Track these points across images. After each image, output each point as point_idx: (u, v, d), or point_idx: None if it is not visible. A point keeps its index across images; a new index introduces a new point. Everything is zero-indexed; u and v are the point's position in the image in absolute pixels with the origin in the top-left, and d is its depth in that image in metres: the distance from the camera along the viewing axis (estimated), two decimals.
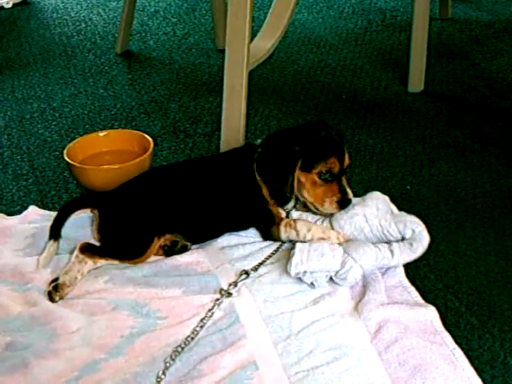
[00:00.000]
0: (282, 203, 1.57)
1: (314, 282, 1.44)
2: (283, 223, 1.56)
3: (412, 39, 2.28)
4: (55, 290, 1.45)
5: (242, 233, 1.62)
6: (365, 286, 1.45)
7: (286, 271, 1.46)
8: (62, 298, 1.45)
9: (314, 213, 1.59)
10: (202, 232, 1.61)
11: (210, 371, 1.26)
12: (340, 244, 1.48)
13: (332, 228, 1.53)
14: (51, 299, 1.44)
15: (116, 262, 1.53)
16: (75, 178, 1.84)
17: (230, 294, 1.44)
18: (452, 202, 1.77)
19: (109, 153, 1.89)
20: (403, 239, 1.50)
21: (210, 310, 1.39)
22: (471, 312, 1.43)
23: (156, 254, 1.57)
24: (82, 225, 1.63)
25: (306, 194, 1.56)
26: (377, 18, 2.86)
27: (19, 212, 1.75)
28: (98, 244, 1.56)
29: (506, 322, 1.40)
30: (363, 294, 1.44)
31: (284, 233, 1.55)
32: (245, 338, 1.33)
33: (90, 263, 1.50)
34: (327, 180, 1.53)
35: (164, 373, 1.26)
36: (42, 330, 1.37)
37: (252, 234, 1.62)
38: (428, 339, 1.33)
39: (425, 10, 2.24)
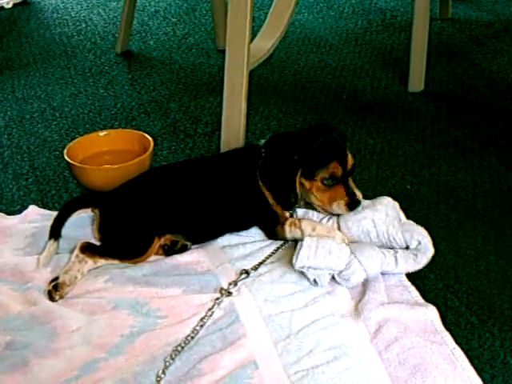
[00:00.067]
0: (287, 208, 1.57)
1: (317, 279, 1.44)
2: (288, 222, 1.55)
3: (412, 39, 2.28)
4: (55, 290, 1.45)
5: (243, 232, 1.62)
6: (365, 285, 1.45)
7: (291, 264, 1.46)
8: (61, 297, 1.45)
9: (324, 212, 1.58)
10: (204, 232, 1.61)
11: (210, 370, 1.26)
12: (347, 244, 1.47)
13: (339, 227, 1.53)
14: (51, 298, 1.44)
15: (116, 262, 1.53)
16: (75, 178, 1.84)
17: (230, 294, 1.44)
18: (452, 202, 1.77)
19: (109, 152, 1.89)
20: (407, 248, 1.50)
21: (210, 310, 1.39)
22: (471, 311, 1.43)
23: (156, 254, 1.57)
24: (82, 224, 1.63)
25: (313, 199, 1.55)
26: (377, 18, 2.87)
27: (19, 211, 1.75)
28: (98, 243, 1.56)
29: (506, 321, 1.40)
30: (363, 293, 1.44)
31: (289, 232, 1.55)
32: (245, 338, 1.33)
33: (90, 263, 1.50)
34: (332, 184, 1.52)
35: (164, 372, 1.26)
36: (42, 329, 1.37)
37: (252, 234, 1.62)
38: (428, 339, 1.33)
39: (425, 10, 2.24)
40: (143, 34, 2.80)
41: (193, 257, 1.56)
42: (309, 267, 1.42)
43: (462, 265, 1.56)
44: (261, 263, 1.52)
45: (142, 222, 1.54)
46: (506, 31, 2.72)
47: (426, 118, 2.16)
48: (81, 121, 2.21)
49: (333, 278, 1.46)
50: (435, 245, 1.51)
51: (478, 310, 1.43)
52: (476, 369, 1.27)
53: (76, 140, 1.90)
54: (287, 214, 1.58)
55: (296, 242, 1.53)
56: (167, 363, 1.28)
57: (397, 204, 1.56)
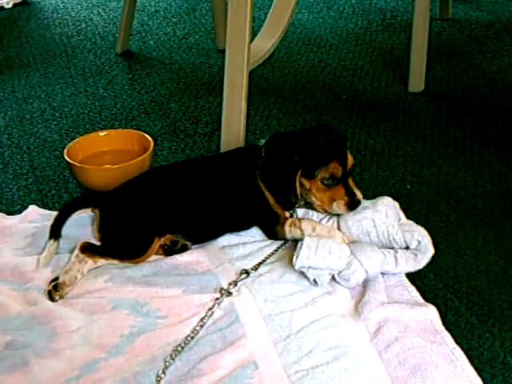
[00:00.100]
0: (288, 208, 1.57)
1: (317, 279, 1.44)
2: (288, 222, 1.55)
3: (412, 39, 2.28)
4: (55, 290, 1.45)
5: (243, 232, 1.62)
6: (365, 285, 1.45)
7: (291, 264, 1.46)
8: (61, 297, 1.45)
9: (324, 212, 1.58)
10: (204, 232, 1.61)
11: (210, 370, 1.26)
12: (347, 244, 1.47)
13: (339, 227, 1.53)
14: (51, 298, 1.44)
15: (116, 262, 1.53)
16: (75, 178, 1.84)
17: (230, 294, 1.44)
18: (452, 202, 1.77)
19: (109, 152, 1.89)
20: (407, 248, 1.50)
21: (210, 310, 1.39)
22: (471, 311, 1.43)
23: (156, 254, 1.57)
24: (82, 224, 1.63)
25: (313, 199, 1.55)
26: (377, 18, 2.87)
27: (19, 211, 1.75)
28: (98, 243, 1.56)
29: (505, 321, 1.40)
30: (363, 293, 1.44)
31: (289, 232, 1.55)
32: (245, 338, 1.33)
33: (90, 262, 1.50)
34: (332, 184, 1.52)
35: (164, 372, 1.26)
36: (42, 329, 1.37)
37: (252, 234, 1.62)
38: (428, 338, 1.33)
39: (425, 10, 2.24)
40: (143, 34, 2.80)
41: (193, 257, 1.56)
42: (309, 267, 1.42)
43: (462, 265, 1.56)
44: (261, 263, 1.52)
45: (142, 221, 1.54)
46: (506, 31, 2.72)
47: (426, 118, 2.16)
48: (81, 121, 2.21)
49: (333, 278, 1.46)
50: (435, 245, 1.51)
51: (477, 310, 1.43)
52: (476, 369, 1.27)
53: (76, 140, 1.90)
54: (287, 214, 1.58)
55: (296, 242, 1.53)
56: (167, 363, 1.28)
57: (397, 204, 1.56)
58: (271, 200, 1.56)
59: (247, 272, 1.49)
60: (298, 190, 1.54)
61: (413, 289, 1.46)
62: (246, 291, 1.45)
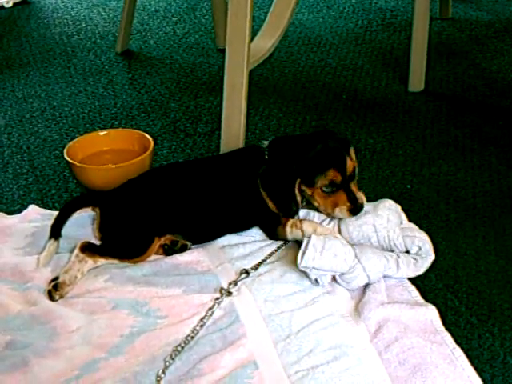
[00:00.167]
0: (289, 216, 1.56)
1: (318, 279, 1.44)
2: (289, 223, 1.55)
3: (412, 39, 2.28)
4: (55, 289, 1.45)
5: (243, 232, 1.62)
6: (365, 285, 1.45)
7: (291, 264, 1.47)
8: (61, 296, 1.45)
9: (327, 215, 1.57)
10: (204, 233, 1.61)
11: (210, 370, 1.26)
12: (352, 246, 1.46)
13: (339, 229, 1.52)
14: (51, 298, 1.44)
15: (116, 261, 1.53)
16: (75, 177, 1.84)
17: (230, 293, 1.43)
18: (452, 202, 1.77)
19: (109, 152, 1.89)
20: (408, 252, 1.49)
21: (210, 309, 1.39)
22: (471, 311, 1.43)
23: (156, 253, 1.57)
24: (82, 224, 1.63)
25: (316, 204, 1.54)
26: (377, 18, 2.87)
27: (19, 211, 1.75)
28: (98, 243, 1.56)
29: (506, 321, 1.40)
30: (363, 293, 1.44)
31: (290, 233, 1.55)
32: (245, 337, 1.33)
33: (90, 262, 1.50)
34: (333, 191, 1.51)
35: (164, 372, 1.26)
36: (42, 329, 1.37)
37: (253, 234, 1.62)
38: (428, 338, 1.33)
39: (425, 10, 2.24)
40: (143, 34, 2.80)
41: (193, 256, 1.56)
42: (312, 267, 1.42)
43: (461, 265, 1.56)
44: (261, 263, 1.52)
45: (143, 221, 1.54)
46: (506, 31, 2.72)
47: (426, 118, 2.16)
48: (81, 120, 2.21)
49: (333, 278, 1.45)
50: (435, 244, 1.51)
51: (477, 310, 1.43)
52: (476, 369, 1.27)
53: (76, 139, 1.90)
54: None
55: (297, 242, 1.53)
56: (167, 363, 1.28)
57: (399, 207, 1.55)
58: (273, 206, 1.55)
59: (247, 272, 1.49)
60: (299, 198, 1.54)
61: (413, 289, 1.46)
62: (246, 291, 1.45)
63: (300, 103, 2.27)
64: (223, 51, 1.88)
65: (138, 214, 1.55)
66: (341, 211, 1.51)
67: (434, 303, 1.41)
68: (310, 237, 1.43)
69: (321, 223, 1.55)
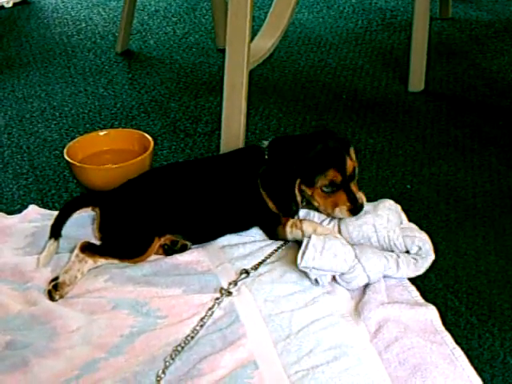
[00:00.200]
0: (289, 216, 1.56)
1: (318, 279, 1.44)
2: (289, 223, 1.55)
3: (412, 39, 2.28)
4: (55, 289, 1.45)
5: (243, 232, 1.62)
6: (365, 285, 1.45)
7: (291, 264, 1.47)
8: (61, 296, 1.45)
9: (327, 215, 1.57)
10: (204, 233, 1.61)
11: (210, 370, 1.26)
12: (352, 246, 1.46)
13: (339, 230, 1.52)
14: (51, 298, 1.44)
15: (116, 261, 1.53)
16: (75, 177, 1.84)
17: (230, 293, 1.43)
18: (452, 202, 1.77)
19: (109, 152, 1.89)
20: (408, 252, 1.49)
21: (210, 309, 1.39)
22: (471, 311, 1.43)
23: (156, 253, 1.57)
24: (82, 224, 1.63)
25: (316, 204, 1.54)
26: (377, 18, 2.87)
27: (19, 211, 1.75)
28: (98, 243, 1.56)
29: (506, 321, 1.40)
30: (363, 293, 1.44)
31: (290, 233, 1.55)
32: (245, 337, 1.33)
33: (90, 262, 1.50)
34: (333, 191, 1.51)
35: (164, 372, 1.26)
36: (42, 329, 1.37)
37: (253, 233, 1.62)
38: (428, 338, 1.33)
39: (425, 10, 2.24)
40: (143, 34, 2.80)
41: (193, 256, 1.56)
42: (312, 267, 1.42)
43: (461, 265, 1.56)
44: (261, 263, 1.52)
45: (143, 221, 1.54)
46: (506, 31, 2.72)
47: (426, 118, 2.16)
48: (81, 120, 2.21)
49: (333, 278, 1.45)
50: (435, 244, 1.51)
51: (477, 310, 1.43)
52: (476, 369, 1.27)
53: (76, 139, 1.90)
54: None
55: (297, 242, 1.53)
56: (167, 363, 1.28)
57: (399, 207, 1.54)
58: (273, 206, 1.55)
59: (247, 272, 1.49)
60: (299, 199, 1.54)
61: (413, 289, 1.46)
62: (246, 291, 1.45)
63: (300, 103, 2.27)
64: (223, 51, 1.88)
65: (138, 214, 1.55)
66: (341, 211, 1.51)
67: (434, 303, 1.41)
68: (310, 237, 1.43)
69: (321, 223, 1.55)
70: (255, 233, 1.62)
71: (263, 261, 1.52)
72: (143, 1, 3.06)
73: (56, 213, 1.61)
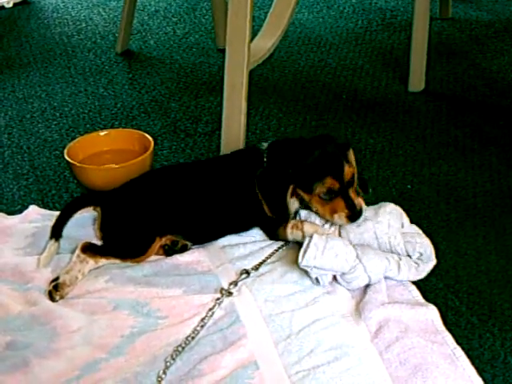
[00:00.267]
0: (282, 221, 1.56)
1: (319, 278, 1.44)
2: (290, 224, 1.54)
3: (412, 39, 2.27)
4: (55, 290, 1.45)
5: (243, 232, 1.62)
6: (366, 285, 1.45)
7: (292, 264, 1.47)
8: (62, 297, 1.45)
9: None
10: (205, 234, 1.61)
11: (211, 370, 1.26)
12: (354, 246, 1.46)
13: (339, 234, 1.52)
14: (52, 298, 1.44)
15: (117, 261, 1.53)
16: (76, 178, 1.84)
17: (230, 294, 1.44)
18: (452, 201, 1.77)
19: (109, 152, 1.89)
20: (409, 256, 1.49)
21: (210, 310, 1.39)
22: (472, 311, 1.43)
23: (156, 254, 1.57)
24: (83, 224, 1.63)
25: (314, 210, 1.54)
26: (377, 18, 2.86)
27: (20, 211, 1.75)
28: (99, 243, 1.56)
29: (506, 321, 1.40)
30: (364, 293, 1.44)
31: (291, 234, 1.54)
32: (245, 338, 1.33)
33: (91, 263, 1.50)
34: (331, 198, 1.50)
35: (165, 372, 1.26)
36: (43, 330, 1.37)
37: (253, 234, 1.62)
38: (429, 338, 1.32)
39: (425, 10, 2.24)
40: (143, 34, 2.80)
41: (193, 256, 1.56)
42: (313, 266, 1.42)
43: (462, 264, 1.56)
44: (261, 263, 1.52)
45: (144, 221, 1.54)
46: (506, 31, 2.72)
47: (426, 118, 2.16)
48: (81, 120, 2.21)
49: (334, 277, 1.45)
50: (436, 244, 1.51)
51: (478, 310, 1.43)
52: (477, 369, 1.27)
53: (76, 140, 1.90)
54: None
55: (297, 242, 1.53)
56: (168, 363, 1.28)
57: (400, 209, 1.53)
58: (267, 210, 1.54)
59: (248, 272, 1.49)
60: (296, 205, 1.54)
61: (413, 288, 1.46)
62: (247, 291, 1.45)
63: (300, 103, 2.27)
64: (223, 51, 1.88)
65: (139, 214, 1.55)
66: (339, 218, 1.50)
67: (435, 303, 1.41)
68: (311, 236, 1.43)
69: (322, 226, 1.54)
70: (256, 233, 1.62)
71: (264, 261, 1.52)
72: (143, 1, 3.06)
73: (56, 213, 1.62)
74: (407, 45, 2.39)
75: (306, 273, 1.45)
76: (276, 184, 1.52)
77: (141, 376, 1.26)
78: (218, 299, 1.42)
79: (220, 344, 1.32)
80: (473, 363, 1.28)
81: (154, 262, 1.54)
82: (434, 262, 1.49)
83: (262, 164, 1.55)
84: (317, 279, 1.44)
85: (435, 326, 1.36)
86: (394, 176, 1.88)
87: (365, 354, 1.29)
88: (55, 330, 1.37)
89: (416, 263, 1.47)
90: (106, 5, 3.08)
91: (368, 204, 1.54)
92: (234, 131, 1.87)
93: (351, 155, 1.55)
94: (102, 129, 2.10)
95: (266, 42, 2.02)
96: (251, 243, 1.59)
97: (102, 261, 1.52)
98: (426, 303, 1.42)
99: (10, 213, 1.76)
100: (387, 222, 1.48)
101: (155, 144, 1.86)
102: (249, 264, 1.51)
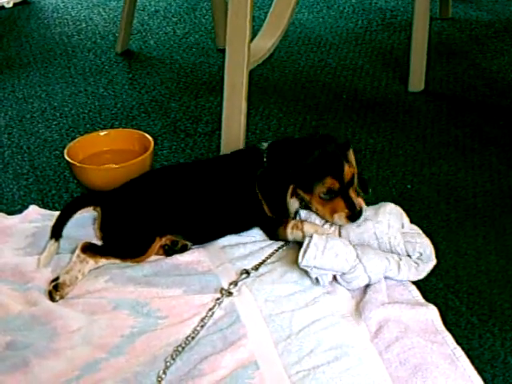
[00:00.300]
0: (282, 218, 1.56)
1: (319, 278, 1.43)
2: (290, 225, 1.54)
3: (412, 39, 2.27)
4: (55, 290, 1.45)
5: (243, 232, 1.62)
6: (365, 285, 1.45)
7: (292, 264, 1.47)
8: (62, 297, 1.45)
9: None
10: (205, 234, 1.61)
11: (211, 370, 1.26)
12: (354, 246, 1.46)
13: (339, 234, 1.52)
14: (52, 298, 1.44)
15: (117, 261, 1.53)
16: (76, 178, 1.84)
17: (230, 294, 1.44)
18: (452, 201, 1.77)
19: (109, 152, 1.89)
20: (409, 256, 1.49)
21: (210, 310, 1.39)
22: (472, 311, 1.43)
23: (156, 254, 1.57)
24: (83, 224, 1.63)
25: (314, 209, 1.54)
26: (377, 18, 2.86)
27: (20, 211, 1.75)
28: (99, 243, 1.56)
29: (506, 321, 1.40)
30: (364, 293, 1.44)
31: (290, 234, 1.54)
32: (245, 338, 1.33)
33: (91, 263, 1.50)
34: (331, 198, 1.49)
35: (165, 372, 1.26)
36: (43, 330, 1.37)
37: (253, 234, 1.62)
38: (429, 338, 1.33)
39: (425, 10, 2.24)
40: (143, 34, 2.80)
41: (193, 256, 1.56)
42: (314, 266, 1.42)
43: (462, 264, 1.56)
44: (261, 263, 1.52)
45: (144, 221, 1.54)
46: (506, 31, 2.72)
47: (426, 118, 2.16)
48: (81, 120, 2.21)
49: (334, 277, 1.45)
50: (436, 244, 1.51)
51: (478, 310, 1.43)
52: (477, 369, 1.27)
53: (76, 140, 1.90)
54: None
55: (297, 242, 1.53)
56: (168, 363, 1.28)
57: (400, 209, 1.52)
58: (267, 210, 1.54)
59: (248, 272, 1.49)
60: (296, 204, 1.54)
61: (413, 288, 1.46)
62: (247, 291, 1.45)
63: (300, 103, 2.27)
64: (223, 51, 1.88)
65: (139, 214, 1.55)
66: (339, 218, 1.50)
67: (435, 303, 1.41)
68: (311, 236, 1.43)
69: (322, 226, 1.54)
70: (256, 233, 1.62)
71: (264, 261, 1.52)
72: (143, 1, 3.06)
73: (56, 213, 1.62)
74: (407, 45, 2.39)
75: (306, 273, 1.45)
76: (276, 184, 1.52)
77: (141, 376, 1.26)
78: (218, 299, 1.42)
79: (220, 344, 1.32)
80: (473, 363, 1.28)
81: (154, 262, 1.54)
82: (434, 261, 1.49)
83: (262, 164, 1.55)
84: (317, 279, 1.44)
85: (435, 325, 1.36)
86: (393, 176, 1.88)
87: (365, 353, 1.29)
88: (55, 330, 1.37)
89: (416, 263, 1.47)
90: (106, 5, 3.08)
91: (368, 204, 1.54)
92: (234, 131, 1.87)
93: (351, 155, 1.55)
94: (102, 129, 2.10)
95: (266, 41, 2.02)
96: (251, 243, 1.59)
97: (102, 261, 1.52)
98: (426, 303, 1.42)
99: (10, 213, 1.76)
100: (387, 222, 1.48)
101: (155, 144, 1.86)
102: (249, 264, 1.51)
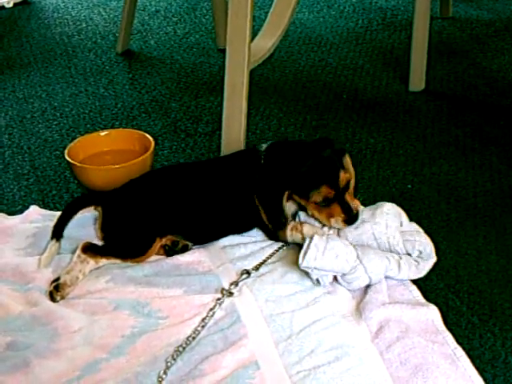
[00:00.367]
0: (278, 228, 1.55)
1: (320, 279, 1.43)
2: (289, 226, 1.54)
3: (413, 38, 2.27)
4: (56, 290, 1.45)
5: (244, 232, 1.62)
6: (366, 285, 1.45)
7: (292, 264, 1.47)
8: (63, 297, 1.45)
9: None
10: (205, 234, 1.61)
11: (212, 371, 1.26)
12: (354, 247, 1.45)
13: (338, 235, 1.52)
14: (52, 299, 1.44)
15: (118, 261, 1.53)
16: (76, 178, 1.84)
17: (231, 294, 1.44)
18: (453, 201, 1.77)
19: (110, 152, 1.89)
20: (409, 254, 1.49)
21: (211, 310, 1.40)
22: (472, 311, 1.43)
23: (157, 254, 1.57)
24: (83, 224, 1.63)
25: (311, 214, 1.53)
26: (377, 17, 2.86)
27: (20, 212, 1.75)
28: (100, 243, 1.56)
29: (507, 321, 1.40)
30: (364, 293, 1.44)
31: (290, 236, 1.54)
32: (246, 338, 1.33)
33: (92, 263, 1.50)
34: (327, 204, 1.49)
35: (165, 372, 1.26)
36: (43, 330, 1.37)
37: (253, 234, 1.62)
38: (429, 338, 1.33)
39: (425, 9, 2.24)
40: (144, 34, 2.80)
41: (194, 257, 1.56)
42: (314, 267, 1.42)
43: (463, 264, 1.56)
44: (262, 263, 1.52)
45: (145, 221, 1.55)
46: (507, 30, 2.72)
47: (426, 117, 2.16)
48: (81, 120, 2.21)
49: (334, 278, 1.45)
50: (436, 244, 1.51)
51: (479, 310, 1.43)
52: (477, 369, 1.27)
53: (77, 140, 1.90)
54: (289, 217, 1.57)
55: (297, 244, 1.53)
56: (169, 364, 1.28)
57: (397, 208, 1.52)
58: (264, 216, 1.54)
59: (248, 272, 1.49)
60: (293, 209, 1.54)
61: (414, 288, 1.46)
62: (247, 291, 1.45)
63: (301, 103, 2.27)
64: (224, 51, 1.88)
65: (140, 214, 1.55)
66: (336, 222, 1.49)
67: (436, 303, 1.41)
68: (312, 237, 1.43)
69: (321, 228, 1.54)
70: (256, 233, 1.62)
71: (264, 261, 1.53)
72: (144, 1, 3.06)
73: (57, 213, 1.62)
74: (408, 44, 2.39)
75: (307, 273, 1.45)
76: (271, 192, 1.51)
77: (141, 376, 1.26)
78: (218, 299, 1.42)
79: (221, 344, 1.32)
80: (473, 363, 1.28)
81: (155, 262, 1.54)
82: (434, 259, 1.49)
83: (260, 166, 1.55)
84: (317, 280, 1.44)
85: (436, 325, 1.36)
86: (394, 176, 1.87)
87: (365, 354, 1.29)
88: (56, 331, 1.37)
89: (416, 261, 1.47)
90: (106, 5, 3.08)
91: (368, 204, 1.54)
92: (234, 131, 1.87)
93: (347, 161, 1.54)
94: (102, 129, 2.10)
95: (267, 41, 2.02)
96: (252, 243, 1.59)
97: (103, 261, 1.52)
98: (427, 303, 1.42)
99: (11, 213, 1.76)
100: (385, 222, 1.48)
101: (156, 144, 1.86)
102: (249, 264, 1.51)
